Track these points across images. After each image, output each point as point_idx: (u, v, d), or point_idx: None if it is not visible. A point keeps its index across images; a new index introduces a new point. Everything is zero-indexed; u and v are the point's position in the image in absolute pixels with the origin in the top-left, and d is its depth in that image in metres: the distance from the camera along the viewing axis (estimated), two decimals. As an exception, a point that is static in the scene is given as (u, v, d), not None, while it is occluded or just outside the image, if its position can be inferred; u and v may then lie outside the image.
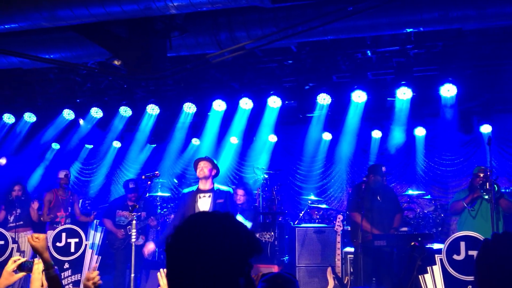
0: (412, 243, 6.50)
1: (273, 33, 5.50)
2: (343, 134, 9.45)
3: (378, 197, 6.74)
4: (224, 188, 6.39)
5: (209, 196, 6.18)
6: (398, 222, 6.90)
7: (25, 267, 3.17)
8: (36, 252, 3.03)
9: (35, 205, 8.30)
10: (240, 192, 7.91)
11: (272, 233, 7.57)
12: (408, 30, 5.86)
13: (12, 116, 9.55)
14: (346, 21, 5.40)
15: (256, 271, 7.46)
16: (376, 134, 9.61)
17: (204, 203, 6.17)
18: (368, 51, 7.37)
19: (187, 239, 1.59)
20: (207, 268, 1.55)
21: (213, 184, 6.28)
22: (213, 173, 6.27)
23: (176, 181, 11.43)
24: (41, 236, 3.05)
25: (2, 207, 8.33)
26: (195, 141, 10.79)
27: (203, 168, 6.22)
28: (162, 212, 9.37)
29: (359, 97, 7.96)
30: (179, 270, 1.58)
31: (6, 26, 5.16)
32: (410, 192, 9.01)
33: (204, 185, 6.26)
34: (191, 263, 1.56)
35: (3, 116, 9.51)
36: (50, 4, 4.77)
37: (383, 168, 7.09)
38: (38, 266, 3.17)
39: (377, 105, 8.54)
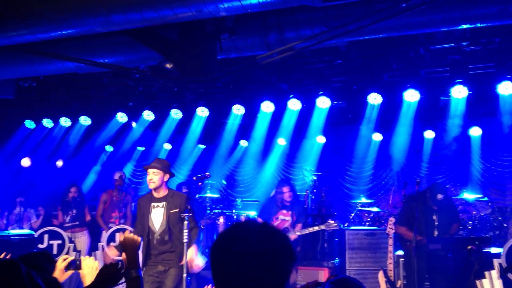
0: (469, 247, 6.27)
1: (323, 32, 5.43)
2: (395, 135, 9.24)
3: (434, 216, 6.53)
4: (180, 194, 5.84)
5: (163, 205, 5.55)
6: (454, 231, 6.68)
7: (73, 265, 3.28)
8: (124, 249, 2.89)
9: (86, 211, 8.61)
10: (286, 189, 7.68)
11: (336, 222, 7.13)
12: (464, 26, 5.64)
13: (68, 119, 9.92)
14: (398, 19, 5.26)
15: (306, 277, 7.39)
16: (429, 134, 9.34)
17: (157, 215, 5.54)
18: (421, 49, 7.16)
19: (234, 248, 1.60)
20: (254, 277, 1.56)
21: (167, 189, 5.63)
22: (165, 179, 5.57)
23: (225, 182, 11.53)
24: (136, 238, 2.95)
25: (59, 208, 8.64)
26: (243, 143, 10.85)
27: (153, 178, 5.50)
28: (211, 213, 9.46)
29: (411, 96, 7.76)
30: (227, 279, 1.59)
31: (63, 32, 5.34)
32: (465, 194, 8.70)
33: (157, 193, 5.58)
34: (238, 272, 1.57)
35: (60, 120, 9.88)
36: (105, 10, 4.90)
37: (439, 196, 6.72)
38: (88, 262, 3.26)
39: (430, 104, 8.31)
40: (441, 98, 8.11)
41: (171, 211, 5.51)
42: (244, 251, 1.57)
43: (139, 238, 3.00)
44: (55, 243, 7.88)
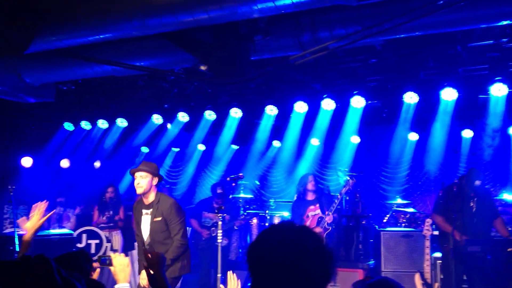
0: (509, 249, 6.11)
1: (358, 31, 5.38)
2: (432, 134, 9.06)
3: (472, 203, 6.38)
4: (166, 200, 5.35)
5: (150, 213, 5.24)
6: (502, 226, 6.47)
7: (105, 262, 3.36)
8: (150, 267, 2.92)
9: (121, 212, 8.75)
10: (310, 178, 7.78)
11: None
12: (504, 22, 5.49)
13: (105, 121, 10.14)
14: (435, 16, 5.15)
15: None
16: (467, 133, 9.12)
17: (145, 223, 5.27)
18: (459, 46, 7.00)
19: (271, 252, 1.60)
20: (294, 278, 1.56)
21: (156, 194, 5.29)
22: (154, 183, 5.24)
23: (258, 183, 11.55)
24: (160, 254, 2.99)
25: (95, 208, 8.83)
26: (276, 143, 10.85)
27: (140, 182, 5.18)
28: (245, 213, 9.49)
29: (449, 94, 7.60)
30: (265, 280, 1.59)
31: (100, 36, 5.47)
32: (505, 195, 8.45)
33: (146, 199, 5.28)
34: (278, 274, 1.57)
35: (97, 122, 10.12)
36: (141, 14, 4.99)
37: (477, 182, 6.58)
38: (119, 259, 3.33)
39: (468, 103, 8.11)
40: (480, 96, 7.91)
41: (154, 219, 5.18)
42: (281, 255, 1.57)
43: (161, 254, 3.01)
44: (93, 242, 8.07)
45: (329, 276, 1.61)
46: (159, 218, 5.17)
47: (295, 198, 7.90)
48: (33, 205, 3.89)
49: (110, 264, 3.34)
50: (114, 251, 8.28)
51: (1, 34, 5.26)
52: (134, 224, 5.55)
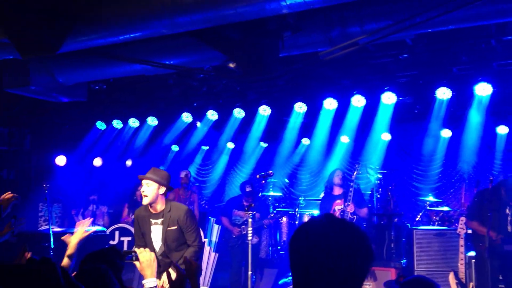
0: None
1: (389, 26, 5.28)
2: (465, 131, 8.85)
3: (507, 210, 6.21)
4: (179, 207, 5.07)
5: (161, 222, 4.96)
6: None
7: (130, 258, 3.39)
8: (188, 277, 3.00)
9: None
10: (338, 173, 7.78)
11: None
12: (541, 14, 5.31)
13: (137, 120, 10.27)
14: (469, 9, 5.02)
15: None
16: (502, 129, 8.87)
17: (156, 233, 4.98)
18: (493, 40, 6.80)
19: (312, 243, 1.58)
20: (331, 273, 1.54)
21: (165, 203, 5.00)
22: (161, 192, 4.93)
23: (287, 181, 11.52)
24: (193, 262, 3.09)
25: (126, 205, 8.95)
26: (305, 141, 10.79)
27: (145, 191, 4.89)
28: (274, 212, 9.47)
29: (483, 89, 7.40)
30: (305, 273, 1.57)
31: (131, 35, 5.53)
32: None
33: (153, 208, 4.98)
34: (315, 267, 1.55)
35: (128, 121, 10.25)
36: (170, 12, 5.02)
37: None
38: (144, 254, 3.35)
39: (503, 98, 7.89)
40: (516, 91, 7.69)
41: (168, 228, 4.92)
42: (322, 246, 1.55)
43: (196, 264, 3.07)
44: (126, 239, 8.18)
45: (366, 270, 1.58)
46: (174, 227, 4.94)
47: (322, 195, 7.86)
48: (77, 222, 4.10)
49: (136, 259, 3.37)
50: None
51: (35, 35, 5.38)
52: (135, 234, 5.20)
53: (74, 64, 7.31)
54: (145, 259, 3.34)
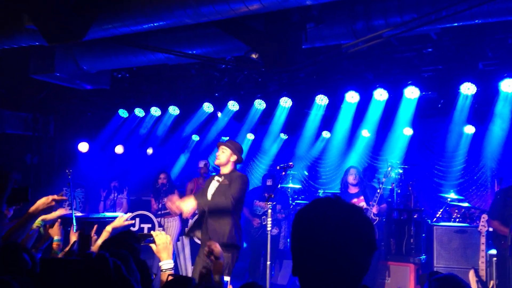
0: None
1: (414, 19, 5.21)
2: (490, 127, 8.70)
3: None
4: (238, 174, 5.73)
5: (220, 180, 5.65)
6: None
7: (149, 241, 3.45)
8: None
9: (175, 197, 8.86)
10: (352, 171, 7.71)
11: None
12: None
13: (158, 109, 10.35)
14: (496, 3, 4.92)
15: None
16: (528, 127, 8.69)
17: (213, 186, 5.70)
18: (520, 36, 6.68)
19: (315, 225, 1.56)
20: (338, 247, 1.52)
21: (232, 170, 5.69)
22: (232, 159, 5.67)
23: (306, 173, 11.50)
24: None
25: (151, 196, 9.01)
26: (325, 134, 10.74)
27: (220, 155, 5.69)
28: (293, 203, 9.48)
29: (509, 86, 7.26)
30: (311, 253, 1.56)
31: (155, 24, 5.56)
32: None
33: (221, 171, 5.75)
34: (323, 245, 1.53)
35: (150, 109, 10.34)
36: (194, 2, 5.04)
37: None
38: (161, 237, 3.41)
39: (529, 95, 7.73)
40: (543, 88, 7.51)
41: (221, 183, 5.63)
42: (327, 229, 1.53)
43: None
44: (146, 226, 8.28)
45: (371, 256, 1.57)
46: (226, 183, 5.57)
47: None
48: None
49: (153, 241, 3.43)
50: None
51: (61, 22, 5.45)
52: (197, 195, 5.87)
53: (98, 52, 7.40)
54: (161, 241, 3.40)
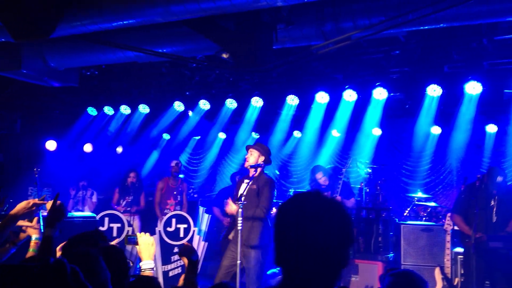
0: (533, 246, 6.01)
1: (381, 22, 5.31)
2: (455, 128, 8.93)
3: (493, 201, 6.28)
4: (265, 177, 6.00)
5: (250, 182, 5.79)
6: None
7: (131, 241, 3.47)
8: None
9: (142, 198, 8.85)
10: (319, 175, 7.86)
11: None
12: (532, 15, 5.36)
13: (128, 107, 10.25)
14: (460, 8, 5.06)
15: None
16: (491, 128, 8.96)
17: (243, 187, 5.80)
18: (484, 40, 6.86)
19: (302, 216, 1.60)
20: (318, 241, 1.56)
21: (260, 173, 5.93)
22: (260, 161, 5.92)
23: (278, 172, 11.56)
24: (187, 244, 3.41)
25: (116, 190, 8.95)
26: (296, 134, 10.83)
27: (249, 157, 5.97)
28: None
29: (473, 88, 7.47)
30: (291, 245, 1.60)
31: (124, 22, 5.51)
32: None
33: (250, 172, 6.01)
34: (302, 238, 1.57)
35: (120, 108, 10.24)
36: (165, 0, 5.02)
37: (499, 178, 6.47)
38: (144, 239, 3.41)
39: (493, 98, 7.95)
40: (505, 91, 7.75)
41: (250, 186, 5.83)
42: (306, 222, 1.57)
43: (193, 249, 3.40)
44: (115, 226, 8.18)
45: (350, 248, 1.62)
46: (254, 187, 5.83)
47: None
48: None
49: (136, 243, 3.44)
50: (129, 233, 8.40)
51: (28, 19, 5.35)
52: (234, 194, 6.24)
53: (66, 49, 7.27)
54: (144, 242, 3.41)
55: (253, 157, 5.92)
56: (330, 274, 1.59)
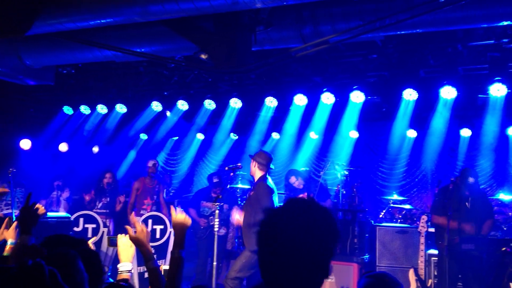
0: (503, 249, 6.15)
1: (359, 26, 5.38)
2: (430, 132, 9.08)
3: (467, 203, 6.40)
4: (260, 182, 6.23)
5: (251, 189, 6.34)
6: (488, 229, 6.48)
7: (112, 243, 3.43)
8: (136, 245, 3.13)
9: (122, 198, 8.75)
10: (293, 179, 7.97)
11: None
12: (505, 23, 5.49)
13: (105, 107, 10.13)
14: (437, 14, 5.16)
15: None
16: (465, 132, 9.13)
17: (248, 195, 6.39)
18: (459, 45, 7.00)
19: (285, 223, 1.61)
20: (301, 250, 1.57)
21: (259, 178, 6.22)
22: (256, 170, 6.23)
23: (255, 174, 11.57)
24: (145, 228, 3.15)
25: (92, 192, 8.84)
26: (275, 135, 10.86)
27: (250, 167, 6.34)
28: (242, 204, 9.51)
29: (448, 93, 7.60)
30: (273, 252, 1.61)
31: (102, 21, 5.46)
32: (501, 195, 8.48)
33: (254, 179, 6.38)
34: (286, 246, 1.58)
35: (97, 107, 10.12)
36: (143, 0, 4.99)
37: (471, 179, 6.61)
38: (123, 240, 3.37)
39: (467, 102, 8.12)
40: (479, 96, 7.92)
41: (250, 193, 6.37)
42: (290, 226, 1.58)
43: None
44: (90, 226, 8.09)
45: (332, 252, 1.62)
46: (251, 194, 6.26)
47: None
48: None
49: (115, 244, 3.40)
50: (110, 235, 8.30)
51: (3, 15, 5.25)
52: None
53: (42, 47, 7.17)
54: (122, 243, 3.36)
55: (251, 166, 6.25)
56: (313, 284, 1.60)
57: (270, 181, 6.26)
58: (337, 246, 1.64)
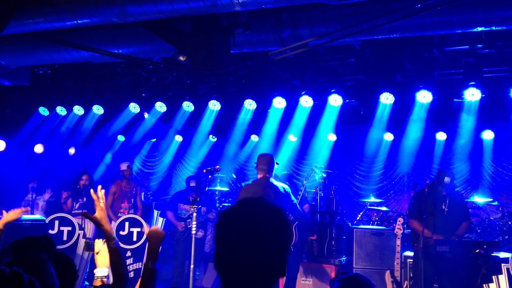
0: (477, 251, 6.24)
1: (337, 30, 5.43)
2: (406, 135, 9.21)
3: (444, 205, 6.49)
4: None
5: None
6: (463, 230, 6.60)
7: (90, 247, 3.38)
8: (96, 224, 3.07)
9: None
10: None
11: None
12: (479, 28, 5.61)
13: (81, 108, 10.00)
14: (413, 19, 5.25)
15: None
16: (441, 136, 9.28)
17: None
18: (435, 50, 7.12)
19: (241, 223, 1.62)
20: (252, 249, 1.58)
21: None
22: (258, 172, 6.57)
23: (234, 176, 11.56)
24: (160, 232, 3.09)
25: (69, 194, 8.71)
26: (254, 138, 10.87)
27: None
28: (221, 206, 9.50)
29: (424, 97, 7.72)
30: (228, 252, 1.62)
31: (79, 21, 5.41)
32: (475, 198, 8.64)
33: None
34: (243, 244, 1.59)
35: (73, 108, 9.97)
36: (120, 1, 4.95)
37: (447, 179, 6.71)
38: (100, 245, 3.34)
39: (442, 106, 8.26)
40: (454, 100, 8.06)
41: None
42: (244, 227, 1.59)
43: (163, 232, 3.09)
44: (65, 229, 7.96)
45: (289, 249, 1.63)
46: None
47: None
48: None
49: (92, 249, 3.36)
50: (87, 239, 8.19)
51: (-24, 14, 5.16)
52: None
53: (18, 46, 7.05)
54: (98, 249, 3.32)
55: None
56: (266, 282, 1.61)
57: (257, 181, 6.51)
58: (290, 244, 1.66)
